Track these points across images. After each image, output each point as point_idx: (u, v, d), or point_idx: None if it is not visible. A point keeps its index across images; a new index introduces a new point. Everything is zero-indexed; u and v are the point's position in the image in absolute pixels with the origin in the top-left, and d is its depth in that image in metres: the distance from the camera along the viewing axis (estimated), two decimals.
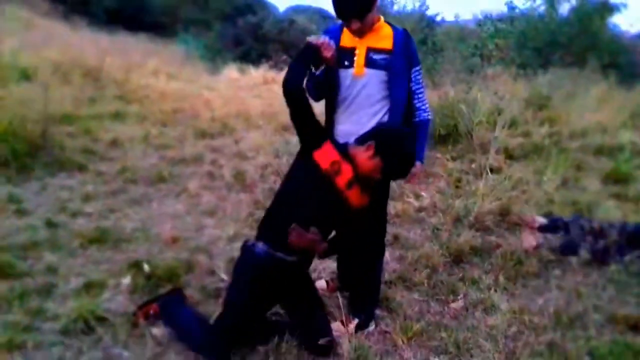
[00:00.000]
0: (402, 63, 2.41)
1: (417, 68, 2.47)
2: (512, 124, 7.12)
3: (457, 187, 5.08)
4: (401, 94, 2.44)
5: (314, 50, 2.30)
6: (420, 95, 2.50)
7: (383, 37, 2.42)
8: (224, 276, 3.01)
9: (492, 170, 5.35)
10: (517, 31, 16.38)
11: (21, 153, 4.81)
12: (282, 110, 8.72)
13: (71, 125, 6.38)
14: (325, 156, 2.18)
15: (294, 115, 2.21)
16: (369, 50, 2.42)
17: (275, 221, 2.23)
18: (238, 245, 3.39)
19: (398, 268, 3.25)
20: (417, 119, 2.53)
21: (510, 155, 6.08)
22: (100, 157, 5.47)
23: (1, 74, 7.22)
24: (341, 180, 2.18)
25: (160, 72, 10.52)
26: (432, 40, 19.75)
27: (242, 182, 4.87)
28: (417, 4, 22.35)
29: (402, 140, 2.24)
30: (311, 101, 2.28)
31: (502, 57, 15.71)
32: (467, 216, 4.05)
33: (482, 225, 3.94)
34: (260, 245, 2.22)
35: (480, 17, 22.84)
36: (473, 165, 5.69)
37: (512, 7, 18.20)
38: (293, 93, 2.18)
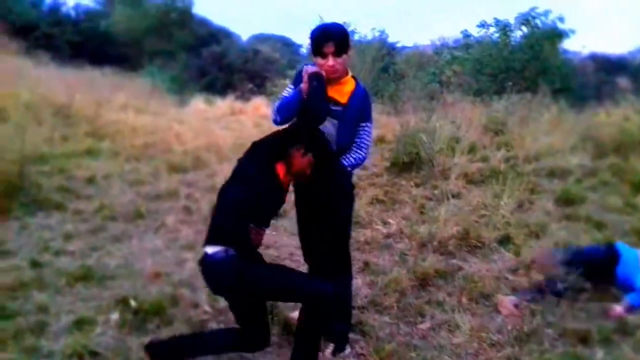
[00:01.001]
0: (353, 116, 2.71)
1: (365, 124, 2.75)
2: (471, 149, 7.53)
3: (421, 212, 5.40)
4: (345, 142, 2.73)
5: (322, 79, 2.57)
6: (355, 147, 2.76)
7: (344, 93, 2.71)
8: (208, 308, 3.21)
9: (453, 196, 5.71)
10: (472, 58, 17.12)
11: None
12: (252, 141, 9.00)
13: (46, 164, 6.48)
14: (281, 169, 2.49)
15: (307, 133, 2.51)
16: (329, 100, 2.68)
17: (238, 225, 2.40)
18: None
19: (369, 293, 3.51)
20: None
21: (470, 180, 6.44)
22: (77, 195, 5.59)
23: None
24: (285, 185, 2.55)
25: (128, 106, 10.65)
26: (393, 68, 20.42)
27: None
28: (377, 33, 22.93)
29: (324, 137, 2.60)
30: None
31: (459, 83, 16.39)
32: (432, 241, 4.35)
33: (446, 249, 4.25)
34: (230, 251, 2.36)
35: (437, 43, 23.74)
36: (436, 191, 6.03)
37: (467, 35, 18.99)
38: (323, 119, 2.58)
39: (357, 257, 4.10)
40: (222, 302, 3.25)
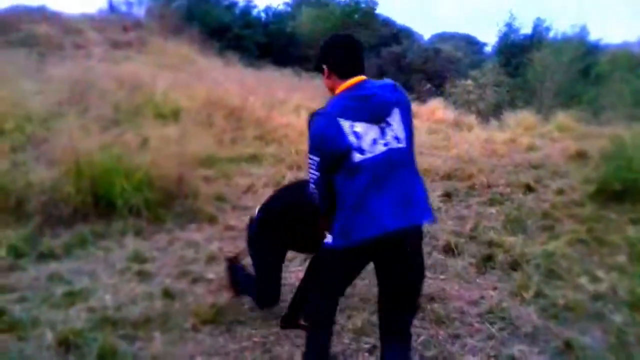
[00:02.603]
0: None
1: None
2: None
3: None
4: None
5: None
6: None
7: None
8: None
9: None
10: None
11: (154, 203, 4.74)
12: (424, 151, 8.13)
13: (210, 168, 6.36)
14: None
15: None
16: None
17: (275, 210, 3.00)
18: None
19: None
20: None
21: None
22: (233, 205, 5.30)
23: (152, 113, 7.51)
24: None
25: (301, 108, 10.43)
26: (595, 69, 17.98)
27: None
28: (577, 29, 20.49)
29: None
30: None
31: None
32: None
33: None
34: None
35: None
36: None
37: None
38: None
39: (555, 332, 3.04)
40: None
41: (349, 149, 2.06)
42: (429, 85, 20.60)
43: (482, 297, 3.46)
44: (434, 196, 5.70)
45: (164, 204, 4.87)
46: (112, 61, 13.42)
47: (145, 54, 15.29)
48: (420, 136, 9.67)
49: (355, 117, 2.08)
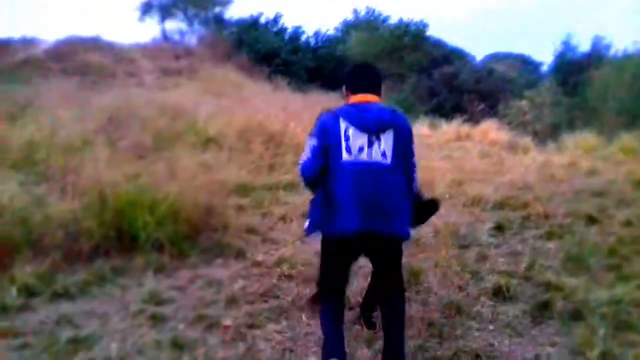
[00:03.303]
0: None
1: None
2: None
3: None
4: None
5: None
6: None
7: None
8: None
9: None
10: None
11: (180, 237, 4.48)
12: (475, 177, 7.58)
13: (245, 196, 6.12)
14: None
15: None
16: None
17: None
18: None
19: None
20: None
21: None
22: (263, 238, 4.97)
23: (190, 141, 7.38)
24: None
25: None
26: None
27: (416, 286, 3.87)
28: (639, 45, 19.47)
29: None
30: None
31: None
32: None
33: None
34: None
35: None
36: None
37: None
38: None
39: None
40: None
41: (338, 144, 2.48)
42: (482, 106, 19.87)
43: (538, 356, 2.96)
44: (484, 229, 5.19)
45: (191, 237, 4.59)
46: (162, 88, 13.60)
47: (195, 80, 15.44)
48: (472, 160, 9.15)
49: (351, 122, 2.50)
